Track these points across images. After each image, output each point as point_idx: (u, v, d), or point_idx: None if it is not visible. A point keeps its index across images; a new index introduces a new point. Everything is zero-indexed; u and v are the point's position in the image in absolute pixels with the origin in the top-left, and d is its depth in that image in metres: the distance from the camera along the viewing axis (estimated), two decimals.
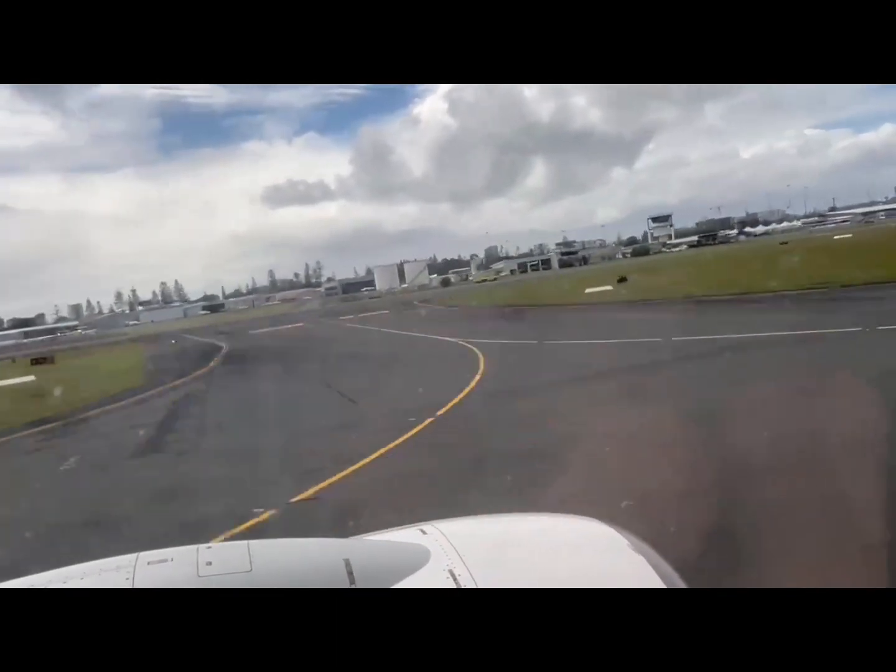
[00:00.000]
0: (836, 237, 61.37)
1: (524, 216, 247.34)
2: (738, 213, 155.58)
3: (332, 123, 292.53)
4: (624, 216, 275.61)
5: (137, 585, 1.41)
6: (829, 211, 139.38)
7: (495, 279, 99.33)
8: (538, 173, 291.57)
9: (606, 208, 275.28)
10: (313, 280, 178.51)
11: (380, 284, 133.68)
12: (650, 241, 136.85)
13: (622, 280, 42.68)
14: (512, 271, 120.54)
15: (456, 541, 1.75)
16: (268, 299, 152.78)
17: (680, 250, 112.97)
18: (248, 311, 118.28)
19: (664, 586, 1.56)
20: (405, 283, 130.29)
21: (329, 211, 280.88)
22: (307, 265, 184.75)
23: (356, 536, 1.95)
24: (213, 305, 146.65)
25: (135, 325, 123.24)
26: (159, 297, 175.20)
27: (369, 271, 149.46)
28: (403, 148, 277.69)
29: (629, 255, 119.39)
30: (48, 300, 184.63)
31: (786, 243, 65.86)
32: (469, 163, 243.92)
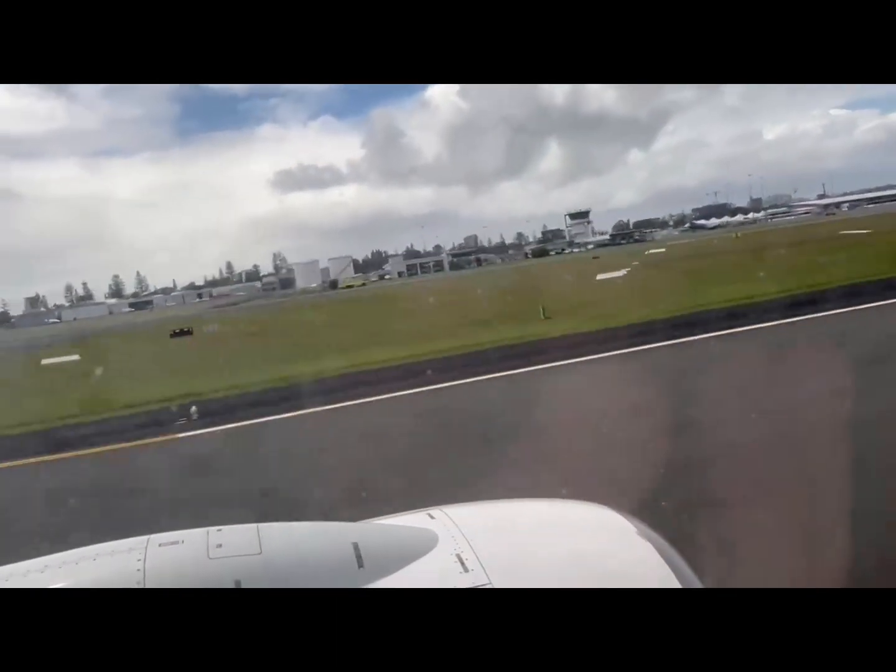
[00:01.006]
0: (648, 252, 59.14)
1: (541, 199, 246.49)
2: (760, 196, 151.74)
3: (347, 106, 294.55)
4: (643, 199, 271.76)
5: (149, 567, 1.44)
6: (818, 198, 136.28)
7: (363, 284, 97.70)
8: (553, 156, 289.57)
9: (625, 191, 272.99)
10: (282, 271, 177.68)
11: (300, 282, 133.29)
12: (567, 238, 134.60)
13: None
14: (400, 273, 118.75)
15: (464, 526, 1.76)
16: (199, 296, 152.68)
17: (579, 251, 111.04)
18: (167, 310, 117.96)
19: (670, 572, 1.60)
20: (329, 279, 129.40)
21: (346, 194, 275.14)
22: (274, 255, 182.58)
23: (365, 520, 1.95)
24: (138, 303, 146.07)
25: (54, 323, 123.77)
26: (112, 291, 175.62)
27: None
28: (418, 131, 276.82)
29: (530, 256, 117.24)
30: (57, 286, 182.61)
31: (597, 258, 64.47)
32: (483, 145, 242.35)
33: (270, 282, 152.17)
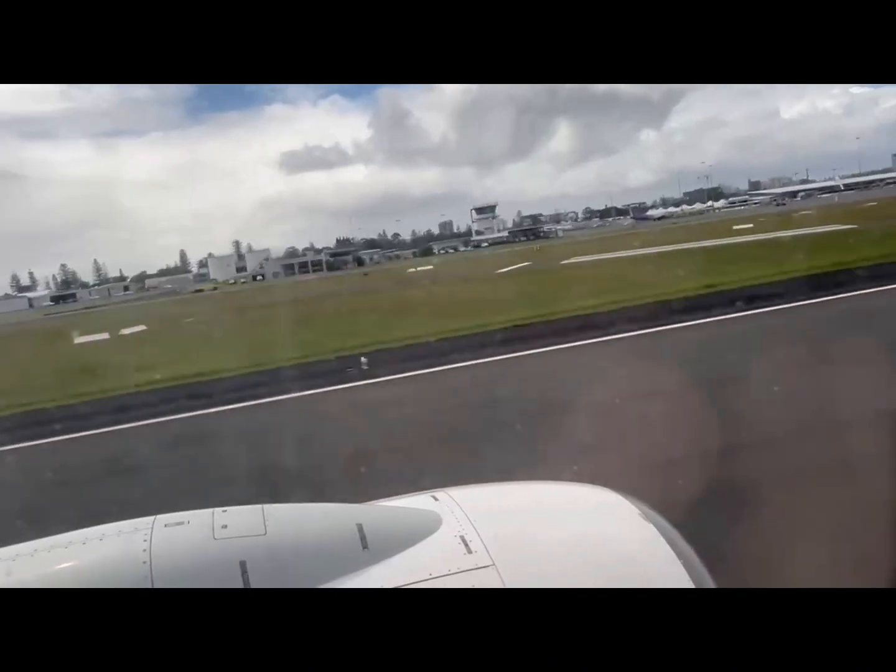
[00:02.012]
0: (410, 270, 56.57)
1: (552, 180, 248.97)
2: (774, 175, 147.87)
3: (355, 86, 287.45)
4: (658, 179, 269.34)
5: (154, 547, 1.48)
6: (801, 182, 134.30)
7: (215, 289, 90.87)
8: (563, 136, 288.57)
9: (639, 171, 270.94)
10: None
11: (215, 275, 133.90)
12: (474, 235, 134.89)
13: None
14: (275, 274, 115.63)
15: (467, 507, 1.80)
16: (126, 288, 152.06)
17: (465, 250, 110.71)
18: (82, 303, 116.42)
19: (672, 554, 1.66)
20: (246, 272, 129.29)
21: (356, 175, 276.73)
22: (237, 243, 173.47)
23: (369, 502, 2.01)
24: (60, 296, 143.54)
25: None
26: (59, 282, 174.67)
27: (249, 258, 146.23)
28: (426, 111, 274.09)
29: (418, 255, 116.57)
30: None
31: (367, 275, 60.71)
32: (491, 125, 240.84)
33: (203, 273, 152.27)
